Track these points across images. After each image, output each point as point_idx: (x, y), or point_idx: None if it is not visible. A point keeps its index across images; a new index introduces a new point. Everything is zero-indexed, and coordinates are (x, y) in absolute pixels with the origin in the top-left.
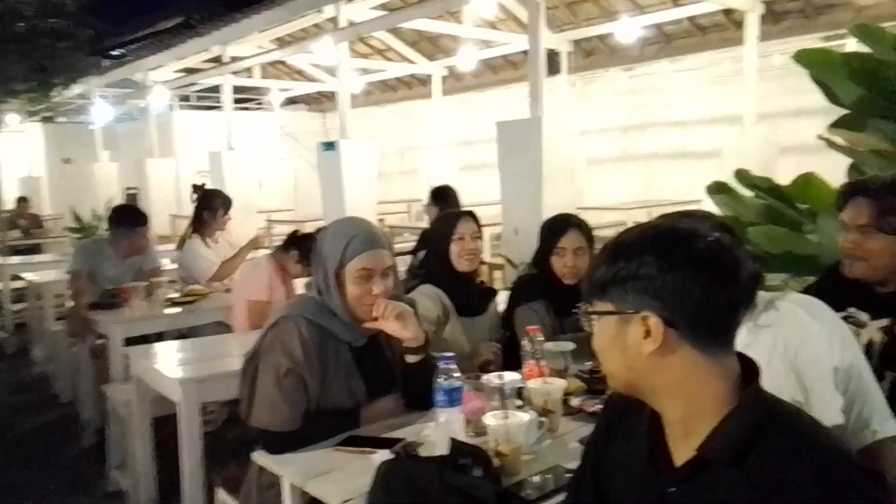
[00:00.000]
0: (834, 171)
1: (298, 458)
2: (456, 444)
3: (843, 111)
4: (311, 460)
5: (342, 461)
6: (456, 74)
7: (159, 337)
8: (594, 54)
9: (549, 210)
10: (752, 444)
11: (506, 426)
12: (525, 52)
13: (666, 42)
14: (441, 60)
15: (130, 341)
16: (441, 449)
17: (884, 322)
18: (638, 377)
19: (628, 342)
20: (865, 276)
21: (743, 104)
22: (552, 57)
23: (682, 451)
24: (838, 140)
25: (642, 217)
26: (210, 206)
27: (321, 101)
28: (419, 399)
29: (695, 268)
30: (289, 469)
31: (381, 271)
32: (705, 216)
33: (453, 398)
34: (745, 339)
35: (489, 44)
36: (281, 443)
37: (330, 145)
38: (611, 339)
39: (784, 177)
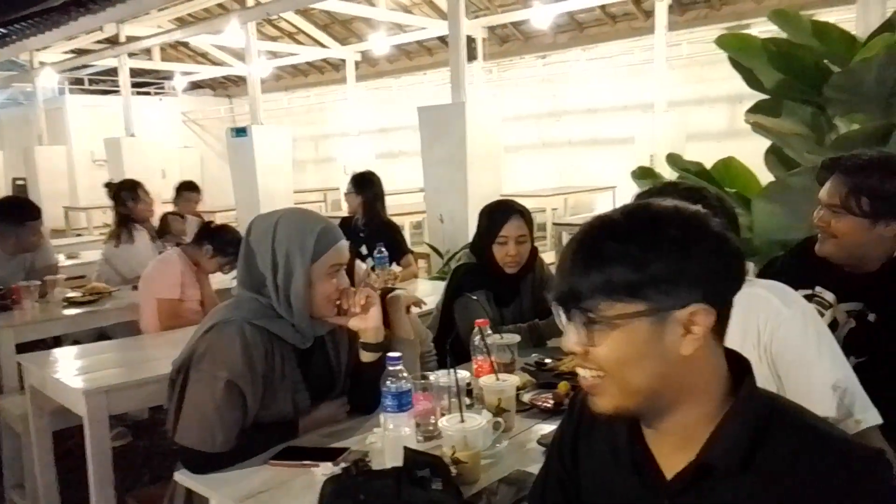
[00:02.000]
0: (738, 155)
1: (228, 477)
2: (411, 455)
3: (752, 98)
4: (243, 478)
5: (280, 477)
6: (370, 59)
7: (56, 342)
8: (509, 41)
9: (475, 197)
10: (757, 444)
11: (463, 431)
12: (440, 38)
13: (579, 30)
14: (354, 45)
15: (23, 348)
16: (392, 459)
17: (854, 306)
18: (666, 386)
19: (665, 345)
20: (833, 256)
21: (653, 92)
22: (469, 43)
23: (674, 461)
24: (760, 123)
25: (559, 204)
26: (119, 199)
27: (228, 86)
28: (366, 402)
29: (716, 246)
30: (219, 490)
31: (346, 265)
32: (692, 187)
33: (403, 402)
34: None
35: (404, 28)
36: (209, 463)
37: (240, 131)
38: (638, 347)
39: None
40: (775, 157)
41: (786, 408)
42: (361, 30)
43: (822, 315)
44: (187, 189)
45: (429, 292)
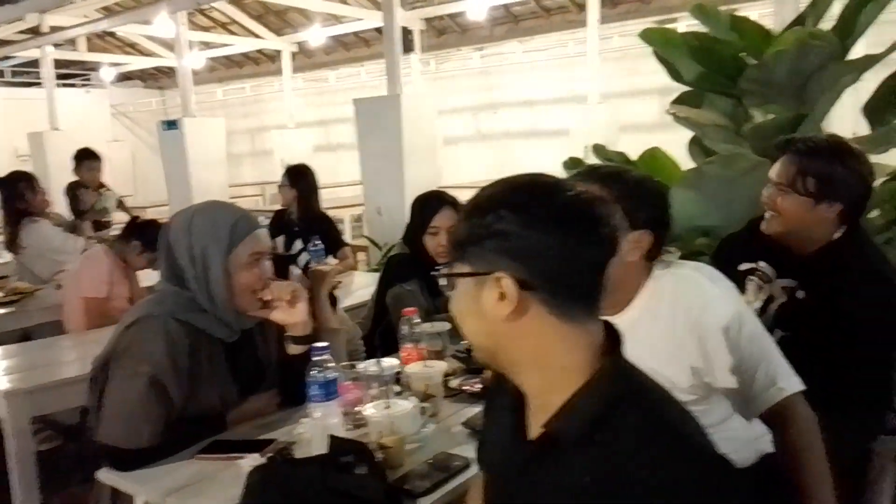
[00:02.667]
0: (669, 146)
1: (154, 473)
2: (336, 442)
3: (679, 90)
4: (169, 473)
5: (206, 470)
6: (307, 51)
7: None
8: (446, 33)
9: (412, 189)
10: (603, 420)
11: (389, 417)
12: (378, 30)
13: (515, 23)
14: (290, 36)
15: None
16: (320, 448)
17: (788, 283)
18: (496, 344)
19: (484, 306)
20: (777, 233)
21: (587, 84)
22: (405, 35)
23: (537, 426)
24: (682, 114)
25: None
26: (15, 193)
27: (159, 78)
28: (297, 394)
29: (550, 224)
30: (144, 486)
31: (268, 254)
32: (621, 170)
33: (329, 391)
34: (647, 305)
35: (340, 19)
36: (134, 459)
37: (171, 124)
38: (467, 304)
39: (628, 152)
40: (697, 147)
41: (644, 391)
42: (297, 20)
43: (760, 289)
44: (87, 157)
45: (366, 284)
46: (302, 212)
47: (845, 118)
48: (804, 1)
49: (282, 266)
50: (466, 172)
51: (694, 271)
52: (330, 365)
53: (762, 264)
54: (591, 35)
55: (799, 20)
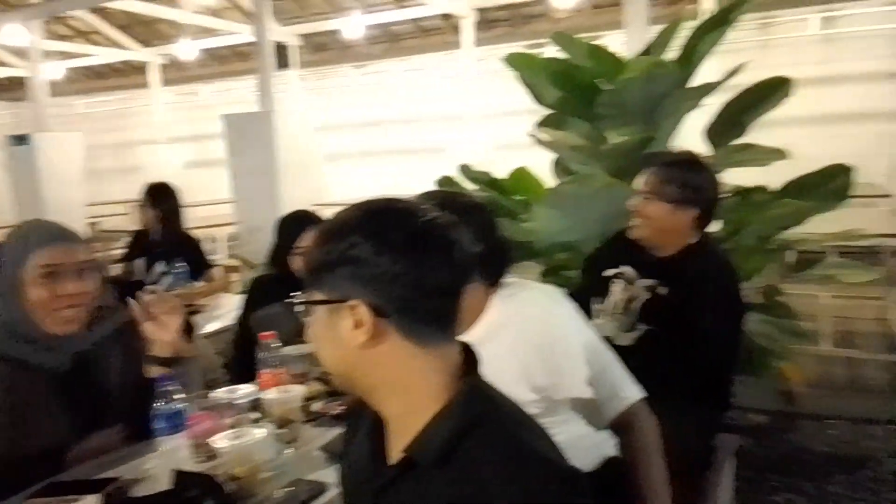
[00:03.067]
0: (544, 164)
1: None
2: (181, 477)
3: (549, 111)
4: None
5: None
6: (177, 64)
7: None
8: (325, 50)
9: (289, 207)
10: (461, 442)
11: (238, 447)
12: (253, 44)
13: (394, 42)
14: (159, 47)
15: None
16: (166, 484)
17: (650, 282)
18: (353, 371)
19: (340, 333)
20: (644, 238)
21: (464, 104)
22: (281, 50)
23: (397, 449)
24: (545, 137)
25: None
26: None
27: (13, 89)
28: (147, 426)
29: (407, 249)
30: None
31: (74, 268)
32: (460, 195)
33: (176, 424)
34: (490, 327)
35: (213, 32)
36: None
37: (20, 139)
38: (323, 331)
39: (503, 170)
40: (560, 166)
41: (500, 411)
42: (167, 32)
43: (625, 288)
44: None
45: (236, 306)
46: (165, 233)
47: (691, 139)
48: (654, 31)
49: (129, 291)
50: (352, 189)
51: (535, 292)
52: (177, 396)
53: (625, 268)
54: (466, 56)
55: (647, 50)
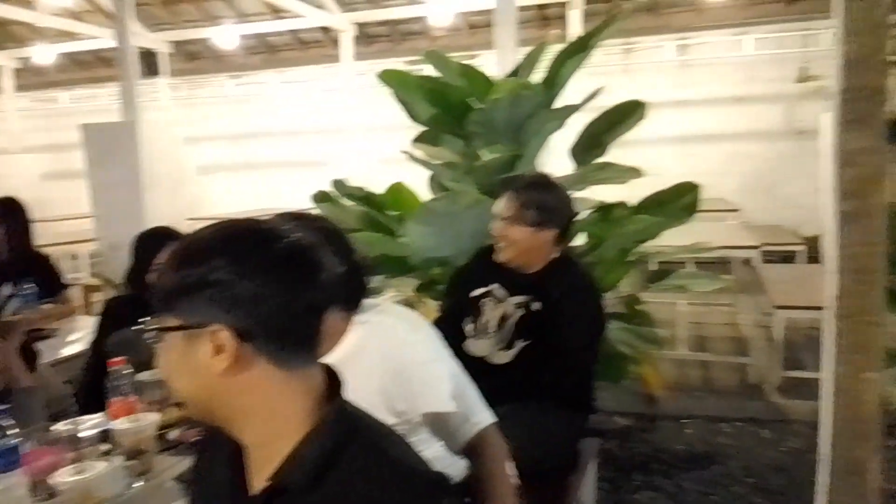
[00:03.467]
0: (425, 180)
1: None
2: None
3: (424, 127)
4: None
5: None
6: (35, 68)
7: None
8: (199, 59)
9: (154, 223)
10: (330, 464)
11: (79, 483)
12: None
13: (271, 53)
14: (13, 51)
15: None
16: None
17: (521, 298)
18: (212, 399)
19: (199, 361)
20: (509, 260)
21: (345, 117)
22: (150, 57)
23: (260, 478)
24: (419, 154)
25: None
26: None
27: None
28: None
29: (270, 271)
30: None
31: None
32: (315, 218)
33: (10, 461)
34: (348, 352)
35: (75, 36)
36: None
37: None
38: (178, 359)
39: (385, 185)
40: (435, 184)
41: (368, 431)
42: (22, 34)
43: (495, 308)
44: None
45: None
46: (11, 252)
47: (558, 157)
48: (524, 52)
49: None
50: (228, 203)
51: (395, 319)
52: (11, 431)
53: (495, 286)
54: (346, 70)
55: (516, 71)
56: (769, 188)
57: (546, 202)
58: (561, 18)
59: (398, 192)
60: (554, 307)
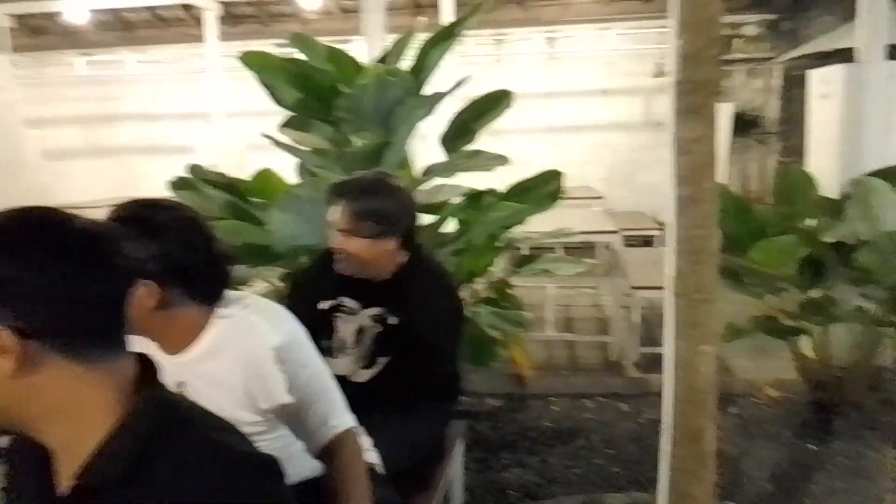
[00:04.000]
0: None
1: None
2: None
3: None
4: None
5: None
6: None
7: None
8: (45, 34)
9: None
10: (144, 457)
11: None
12: None
13: (128, 30)
14: None
15: None
16: None
17: (376, 310)
18: (5, 404)
19: None
20: (352, 273)
21: (210, 101)
22: None
23: (68, 478)
24: (286, 139)
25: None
26: None
27: None
28: None
29: (52, 264)
30: None
31: None
32: (171, 206)
33: None
34: (208, 347)
35: None
36: None
37: None
38: None
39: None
40: (304, 170)
41: (187, 419)
42: None
43: (349, 322)
44: None
45: None
46: None
47: (428, 145)
48: (394, 39)
49: None
50: (81, 190)
51: (259, 316)
52: None
53: (344, 299)
54: (211, 51)
55: (384, 58)
56: (630, 177)
57: (383, 210)
58: (434, 7)
59: (266, 180)
60: (412, 319)
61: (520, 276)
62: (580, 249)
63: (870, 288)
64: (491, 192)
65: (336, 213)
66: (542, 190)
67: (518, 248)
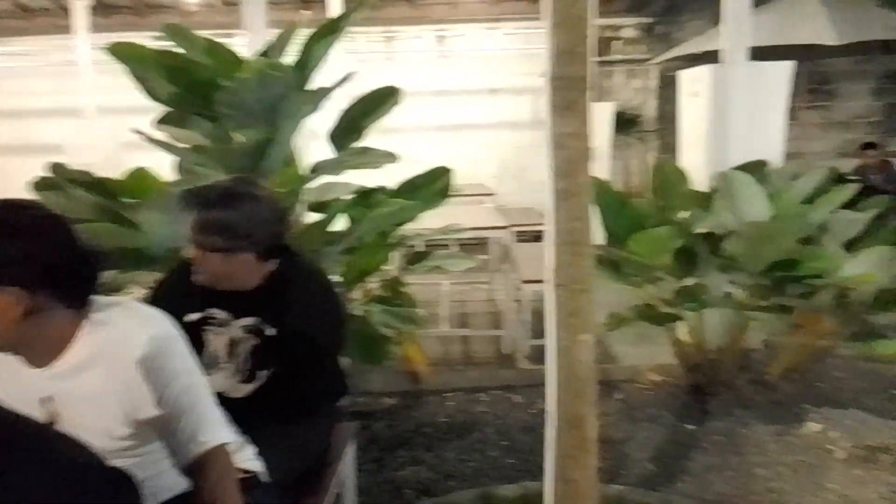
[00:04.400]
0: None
1: None
2: None
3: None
4: None
5: None
6: None
7: None
8: None
9: None
10: None
11: None
12: None
13: None
14: None
15: None
16: None
17: (249, 321)
18: None
19: None
20: (212, 285)
21: (82, 97)
22: None
23: None
24: (162, 136)
25: None
26: None
27: None
28: None
29: None
30: None
31: None
32: (27, 206)
33: None
34: (80, 355)
35: None
36: None
37: None
38: None
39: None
40: (183, 169)
41: (24, 435)
42: None
43: (219, 335)
44: None
45: None
46: None
47: (316, 141)
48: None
49: None
50: None
51: (133, 321)
52: None
53: (213, 311)
54: (81, 43)
55: (266, 52)
56: (519, 174)
57: (232, 224)
58: (321, 2)
59: (141, 179)
60: (290, 328)
61: (414, 274)
62: (474, 246)
63: (737, 275)
64: (381, 189)
65: (189, 224)
66: (432, 187)
67: (412, 246)
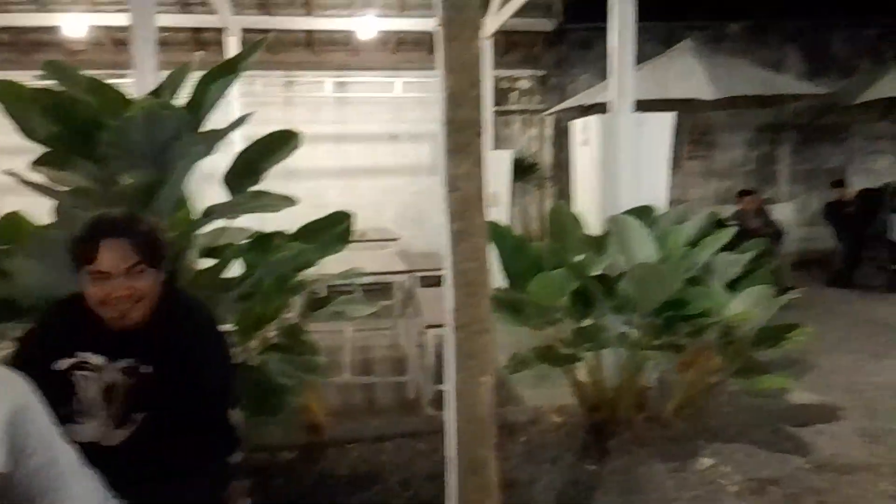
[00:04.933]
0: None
1: None
2: None
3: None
4: None
5: None
6: None
7: None
8: None
9: None
10: None
11: None
12: None
13: None
14: None
15: None
16: None
17: (127, 363)
18: None
19: None
20: (134, 321)
21: None
22: None
23: None
24: (39, 178)
25: None
26: None
27: None
28: None
29: None
30: None
31: None
32: None
33: None
34: None
35: None
36: None
37: None
38: None
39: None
40: (62, 213)
41: None
42: None
43: (98, 380)
44: None
45: None
46: None
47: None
48: (163, 76)
49: None
50: None
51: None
52: None
53: (84, 354)
54: None
55: (157, 92)
56: (420, 219)
57: (146, 235)
58: (218, 44)
59: (13, 224)
60: (168, 364)
61: (315, 320)
62: (378, 291)
63: (630, 315)
64: (279, 233)
65: (110, 253)
66: (332, 231)
67: (315, 292)
